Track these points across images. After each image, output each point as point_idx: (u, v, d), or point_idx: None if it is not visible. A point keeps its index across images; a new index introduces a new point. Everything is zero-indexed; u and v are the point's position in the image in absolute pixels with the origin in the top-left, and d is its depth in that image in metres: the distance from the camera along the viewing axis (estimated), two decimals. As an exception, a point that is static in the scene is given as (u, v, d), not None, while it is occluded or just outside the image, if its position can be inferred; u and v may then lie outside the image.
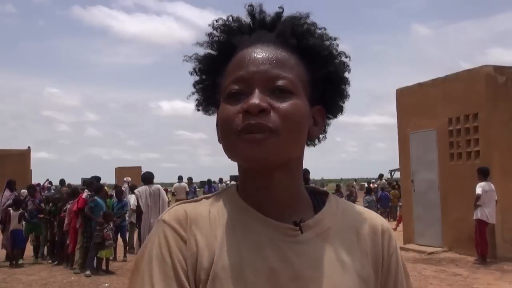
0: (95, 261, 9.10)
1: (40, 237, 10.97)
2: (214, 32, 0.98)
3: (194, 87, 1.01)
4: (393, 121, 12.08)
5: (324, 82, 0.95)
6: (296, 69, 0.91)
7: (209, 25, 0.98)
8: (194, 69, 0.99)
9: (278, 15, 0.97)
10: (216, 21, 0.98)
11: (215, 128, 0.97)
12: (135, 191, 9.70)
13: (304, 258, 0.88)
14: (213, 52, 0.98)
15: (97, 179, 10.97)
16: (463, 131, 9.99)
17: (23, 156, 24.84)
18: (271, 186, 0.90)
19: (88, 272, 8.83)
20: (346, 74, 0.98)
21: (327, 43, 0.96)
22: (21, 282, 8.50)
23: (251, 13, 0.97)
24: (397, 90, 11.91)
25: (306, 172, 10.58)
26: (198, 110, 1.02)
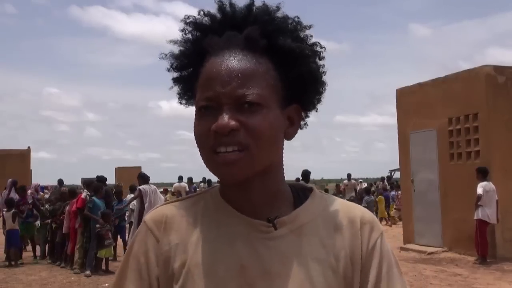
0: (95, 261, 9.10)
1: (40, 237, 10.98)
2: (187, 28, 0.97)
3: (173, 82, 1.01)
4: (393, 121, 12.10)
5: (298, 80, 0.94)
6: (265, 77, 0.89)
7: (181, 20, 0.97)
8: (171, 65, 0.99)
9: (249, 7, 0.95)
10: (188, 17, 0.97)
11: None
12: (141, 187, 9.60)
13: (275, 253, 0.89)
14: (186, 51, 0.98)
15: (102, 179, 10.91)
16: (463, 131, 9.98)
17: (23, 156, 24.86)
18: (248, 190, 0.92)
19: (88, 272, 8.82)
20: (321, 69, 0.96)
21: (300, 35, 0.94)
22: (21, 282, 8.50)
23: (221, 8, 0.95)
24: (397, 90, 11.90)
25: (307, 173, 10.66)
26: (180, 103, 1.03)
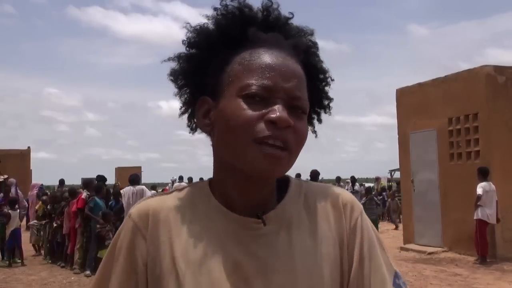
0: (95, 261, 9.10)
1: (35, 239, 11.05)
2: (222, 9, 0.93)
3: (179, 56, 0.96)
4: (393, 121, 12.11)
5: (312, 102, 0.95)
6: (306, 89, 0.91)
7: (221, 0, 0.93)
8: (188, 39, 0.95)
9: (287, 20, 0.95)
10: (231, 0, 0.93)
11: (183, 111, 0.98)
12: (122, 190, 10.08)
13: (268, 249, 0.89)
14: (215, 31, 0.93)
15: (102, 178, 10.95)
16: (463, 131, 9.99)
17: (23, 156, 24.84)
18: (253, 192, 0.91)
19: (88, 272, 8.83)
20: (331, 103, 0.99)
21: (322, 64, 0.97)
22: (21, 282, 8.50)
23: (267, 8, 0.94)
24: (397, 90, 11.91)
25: (317, 173, 10.77)
26: (170, 79, 0.97)
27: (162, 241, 0.90)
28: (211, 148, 0.95)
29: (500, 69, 9.79)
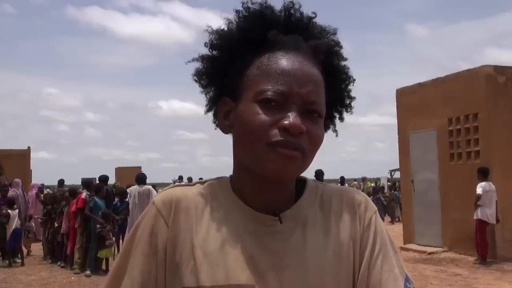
0: (95, 261, 9.10)
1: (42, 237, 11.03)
2: (244, 11, 0.95)
3: (202, 57, 0.98)
4: (393, 121, 12.11)
5: (333, 103, 0.97)
6: (323, 92, 0.92)
7: (243, 2, 0.95)
8: (211, 41, 0.96)
9: (309, 20, 0.96)
10: (252, 3, 0.95)
11: (208, 108, 1.00)
12: (128, 189, 10.01)
13: (283, 245, 0.92)
14: (237, 34, 0.94)
15: (105, 178, 10.95)
16: (463, 131, 9.99)
17: (23, 156, 24.77)
18: (270, 192, 0.94)
19: (88, 272, 8.83)
20: (352, 102, 1.00)
21: (344, 64, 0.98)
22: (21, 282, 8.50)
23: (288, 9, 0.95)
24: (397, 90, 11.91)
25: (321, 172, 10.80)
26: (194, 79, 1.00)
27: (183, 229, 0.93)
28: (232, 147, 0.97)
29: (500, 69, 9.79)
